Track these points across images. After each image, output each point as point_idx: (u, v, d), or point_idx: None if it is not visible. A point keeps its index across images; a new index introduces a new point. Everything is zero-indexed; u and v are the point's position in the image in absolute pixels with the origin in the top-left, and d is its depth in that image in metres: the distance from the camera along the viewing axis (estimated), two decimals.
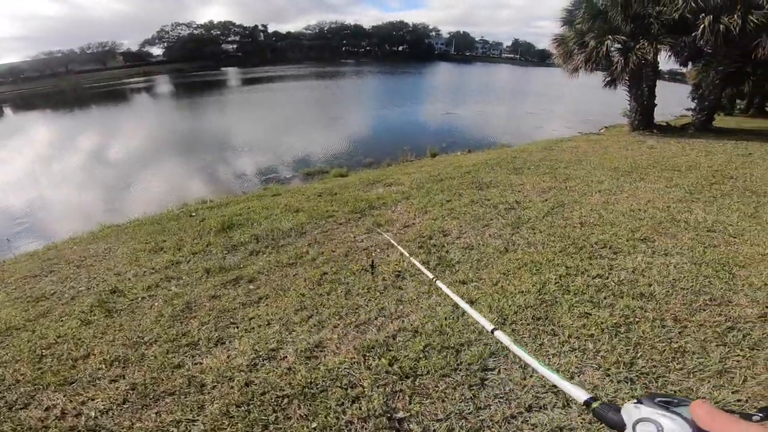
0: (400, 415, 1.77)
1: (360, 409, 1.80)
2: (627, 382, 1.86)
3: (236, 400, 1.89)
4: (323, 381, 1.97)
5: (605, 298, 2.56)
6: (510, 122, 16.71)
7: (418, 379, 1.96)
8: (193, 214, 5.10)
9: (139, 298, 3.01)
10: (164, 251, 3.85)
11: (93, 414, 1.89)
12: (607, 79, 10.97)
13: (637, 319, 2.33)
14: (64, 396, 2.03)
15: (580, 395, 0.46)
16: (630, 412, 0.40)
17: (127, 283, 3.28)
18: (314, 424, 1.73)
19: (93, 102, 34.29)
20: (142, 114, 25.26)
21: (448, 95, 27.76)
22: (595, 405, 0.43)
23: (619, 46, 9.65)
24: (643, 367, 1.95)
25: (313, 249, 3.59)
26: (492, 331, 0.91)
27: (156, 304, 2.91)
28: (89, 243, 4.48)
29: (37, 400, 2.02)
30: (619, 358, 2.01)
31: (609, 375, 1.92)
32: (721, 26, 8.16)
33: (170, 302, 2.89)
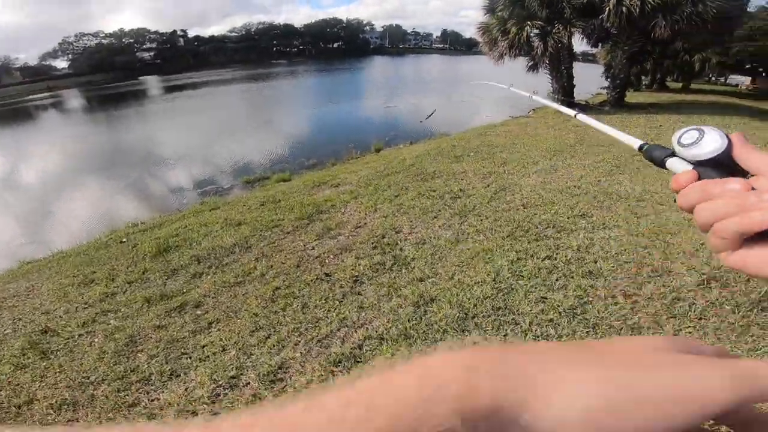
0: None
1: None
2: None
3: None
4: None
5: (557, 279, 2.64)
6: (446, 111, 17.12)
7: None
8: (124, 239, 4.63)
9: (76, 336, 2.71)
10: (95, 283, 3.48)
11: None
12: (530, 63, 11.60)
13: (590, 299, 2.42)
14: None
15: (635, 143, 0.48)
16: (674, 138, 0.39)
17: (58, 320, 2.95)
18: None
19: None
20: (54, 133, 22.66)
21: (386, 89, 27.92)
22: (645, 147, 0.44)
23: (537, 31, 10.23)
24: None
25: (260, 264, 3.38)
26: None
27: (96, 340, 2.64)
28: (8, 282, 3.97)
29: None
30: None
31: None
32: (624, 8, 8.93)
33: (111, 337, 2.63)
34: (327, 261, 3.28)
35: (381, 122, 15.00)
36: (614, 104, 11.32)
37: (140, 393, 2.11)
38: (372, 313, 2.51)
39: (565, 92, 11.32)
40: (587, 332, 2.14)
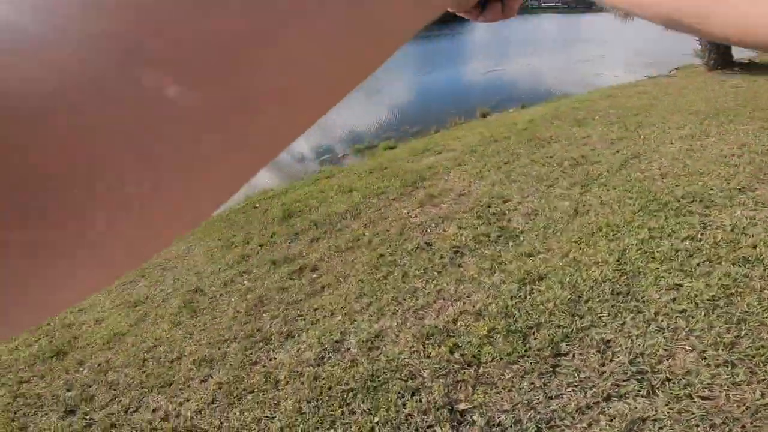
0: (462, 406, 1.69)
1: (420, 401, 1.75)
2: (727, 366, 1.62)
3: (306, 396, 1.92)
4: (384, 373, 1.94)
5: (699, 264, 2.24)
6: (564, 72, 15.32)
7: (481, 368, 1.85)
8: (257, 205, 5.25)
9: (217, 296, 3.14)
10: (235, 246, 3.97)
11: (189, 415, 2.02)
12: None
13: (740, 290, 2.00)
14: (164, 398, 2.19)
15: None
16: None
17: (206, 281, 3.43)
18: (376, 419, 1.71)
19: None
20: None
21: (491, 52, 26.07)
22: None
23: None
24: (747, 348, 1.69)
25: (368, 230, 3.53)
26: None
27: (232, 300, 3.02)
28: (172, 244, 4.78)
29: (144, 403, 2.21)
30: (718, 338, 1.75)
31: (705, 358, 1.68)
32: None
33: (244, 297, 2.98)
34: (428, 230, 3.27)
35: (486, 86, 14.13)
36: None
37: (261, 352, 2.34)
38: (471, 287, 2.44)
39: (719, 49, 9.19)
40: (728, 328, 1.80)
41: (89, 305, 3.58)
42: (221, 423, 1.93)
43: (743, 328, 1.80)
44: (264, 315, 2.72)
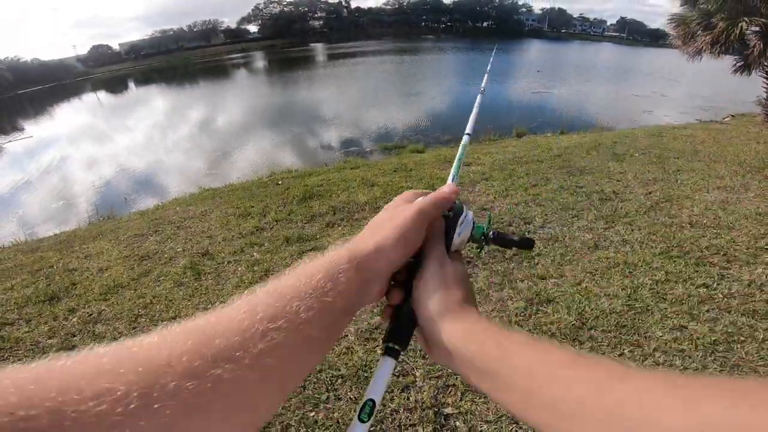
0: (448, 410, 1.71)
1: (408, 399, 1.77)
2: None
3: None
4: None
5: (708, 311, 2.20)
6: (613, 104, 14.97)
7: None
8: (279, 182, 5.39)
9: (225, 263, 3.16)
10: (251, 217, 4.07)
11: None
12: (739, 63, 9.26)
13: (742, 338, 1.98)
14: None
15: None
16: None
17: (216, 246, 3.47)
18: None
19: (200, 77, 38.03)
20: (241, 89, 27.44)
21: (540, 74, 25.67)
22: None
23: (757, 29, 8.09)
24: None
25: None
26: None
27: (239, 269, 3.05)
28: (189, 205, 4.90)
29: None
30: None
31: None
32: None
33: (251, 268, 3.03)
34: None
35: (527, 107, 13.99)
36: None
37: None
38: (478, 299, 2.46)
39: None
40: (720, 371, 1.79)
41: (96, 252, 3.64)
42: None
43: (735, 371, 1.80)
44: None
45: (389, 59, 38.64)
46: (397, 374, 1.91)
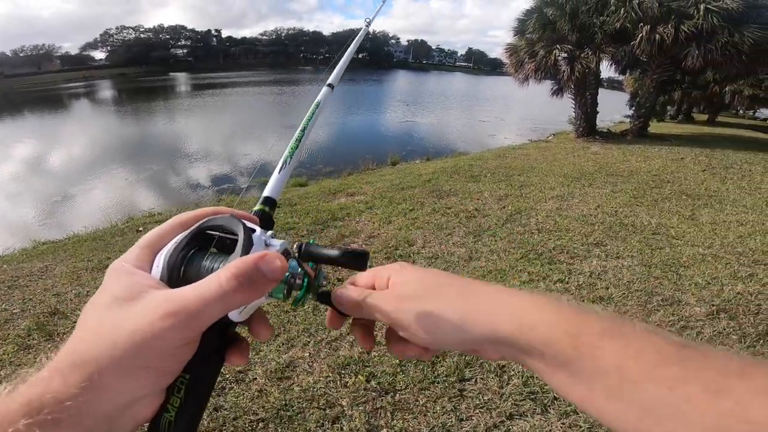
0: None
1: (341, 429, 1.74)
2: None
3: (206, 426, 1.76)
4: (299, 402, 1.88)
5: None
6: (465, 130, 17.20)
7: (397, 394, 1.92)
8: (140, 228, 4.76)
9: None
10: None
11: None
12: (555, 87, 11.59)
13: None
14: None
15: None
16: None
17: (68, 304, 2.99)
18: None
19: (26, 107, 31.46)
20: (81, 120, 23.51)
21: (406, 103, 28.20)
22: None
23: (565, 55, 10.23)
24: None
25: None
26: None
27: None
28: (22, 261, 4.05)
29: None
30: None
31: None
32: (657, 36, 8.86)
33: None
34: (339, 268, 3.32)
35: (399, 136, 15.16)
36: (636, 134, 11.21)
37: None
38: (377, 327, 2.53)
39: (587, 119, 11.27)
40: None
41: None
42: None
43: None
44: None
45: (265, 90, 37.92)
46: (323, 407, 1.85)
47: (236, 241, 0.31)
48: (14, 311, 2.95)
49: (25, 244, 5.04)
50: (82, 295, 3.13)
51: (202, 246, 0.33)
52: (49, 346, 2.46)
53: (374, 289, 0.40)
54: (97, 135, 17.34)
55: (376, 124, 17.92)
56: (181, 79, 57.67)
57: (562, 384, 0.30)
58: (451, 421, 1.77)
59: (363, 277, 0.42)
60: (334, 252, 0.37)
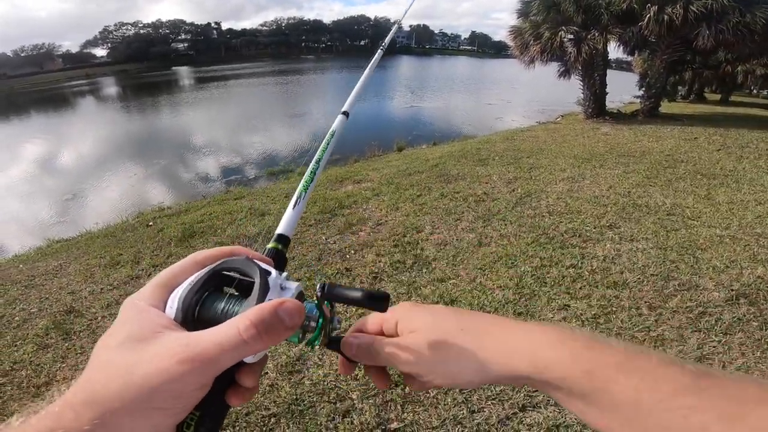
0: (394, 425, 1.71)
1: (352, 423, 1.72)
2: None
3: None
4: (309, 396, 1.87)
5: (581, 288, 2.59)
6: (472, 113, 16.96)
7: (407, 387, 1.89)
8: (151, 223, 4.77)
9: (99, 317, 2.76)
10: (121, 265, 3.55)
11: None
12: (562, 69, 11.34)
13: (614, 309, 2.37)
14: None
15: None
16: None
17: (83, 302, 3.01)
18: None
19: (30, 107, 31.67)
20: (87, 118, 23.62)
21: (411, 88, 27.85)
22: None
23: (571, 36, 9.98)
24: None
25: None
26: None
27: None
28: (37, 260, 4.10)
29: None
30: None
31: None
32: (665, 16, 8.59)
33: None
34: (348, 256, 3.30)
35: (404, 121, 14.99)
36: (647, 114, 10.96)
37: None
38: None
39: (596, 100, 11.03)
40: None
41: None
42: None
43: (620, 340, 2.14)
44: None
45: (269, 81, 37.68)
46: (334, 401, 1.84)
47: (252, 283, 0.32)
48: (32, 311, 2.99)
49: (39, 242, 5.10)
50: (96, 293, 3.17)
51: (217, 286, 0.34)
52: (67, 345, 2.49)
53: (383, 334, 0.41)
54: (103, 132, 17.42)
55: (381, 110, 17.71)
56: (184, 73, 57.54)
57: (579, 411, 0.32)
58: (463, 413, 1.74)
59: (370, 322, 0.42)
60: (356, 294, 0.36)
